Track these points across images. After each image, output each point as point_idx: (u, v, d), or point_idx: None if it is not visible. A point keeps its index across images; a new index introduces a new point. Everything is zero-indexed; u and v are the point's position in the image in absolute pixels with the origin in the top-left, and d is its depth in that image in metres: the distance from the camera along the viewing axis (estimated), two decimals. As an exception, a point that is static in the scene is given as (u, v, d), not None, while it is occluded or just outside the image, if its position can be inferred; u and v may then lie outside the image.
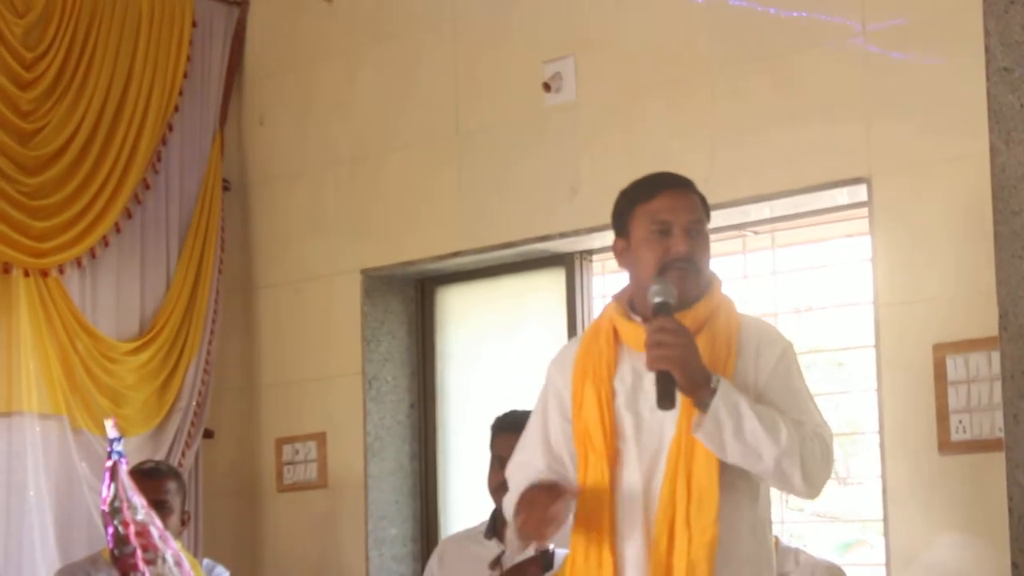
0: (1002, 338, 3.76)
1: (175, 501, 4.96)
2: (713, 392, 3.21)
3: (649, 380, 3.30)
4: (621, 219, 3.48)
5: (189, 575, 3.39)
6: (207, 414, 6.22)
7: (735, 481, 3.31)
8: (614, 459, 3.36)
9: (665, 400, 3.21)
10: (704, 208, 3.47)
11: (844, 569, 4.31)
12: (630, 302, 3.47)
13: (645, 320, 3.38)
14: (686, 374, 3.21)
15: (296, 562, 6.18)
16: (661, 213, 3.39)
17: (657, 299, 3.27)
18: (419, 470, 6.07)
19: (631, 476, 3.34)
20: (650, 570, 3.26)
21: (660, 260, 3.36)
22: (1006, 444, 4.02)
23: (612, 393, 3.38)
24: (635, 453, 3.35)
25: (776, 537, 4.11)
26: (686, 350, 3.22)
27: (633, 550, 3.32)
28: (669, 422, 3.32)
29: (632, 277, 3.47)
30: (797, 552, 4.26)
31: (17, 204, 5.69)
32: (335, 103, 6.24)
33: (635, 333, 3.39)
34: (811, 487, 3.32)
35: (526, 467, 3.52)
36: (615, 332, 3.44)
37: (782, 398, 3.35)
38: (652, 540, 3.29)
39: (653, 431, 3.34)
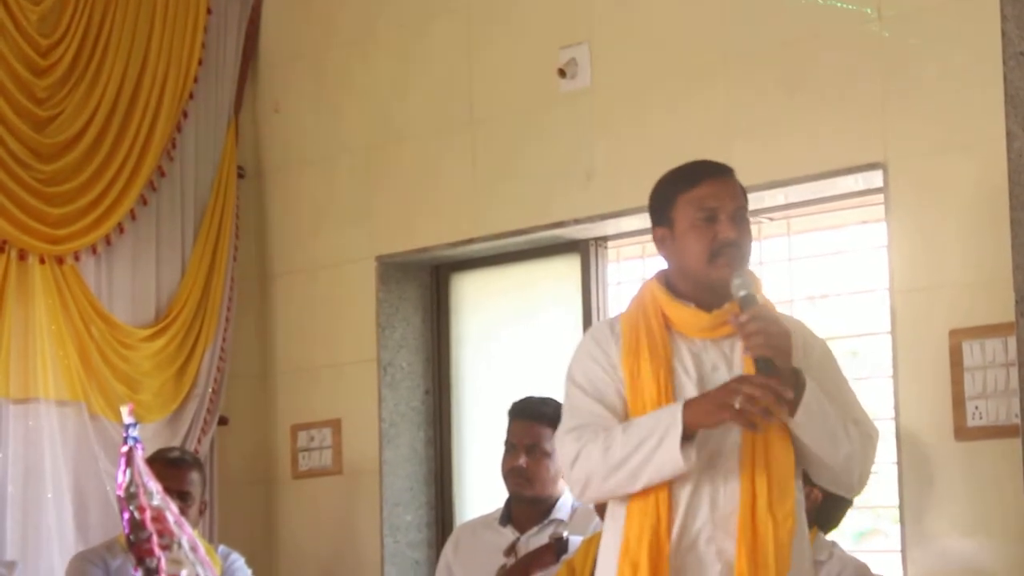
0: (1018, 323, 3.76)
1: (197, 492, 4.99)
2: (803, 383, 3.27)
3: (711, 365, 3.35)
4: (662, 208, 3.48)
5: (205, 560, 3.39)
6: (222, 401, 6.23)
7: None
8: None
9: None
10: (744, 196, 3.48)
11: (871, 569, 4.31)
12: (669, 286, 3.47)
13: (698, 305, 3.40)
14: (785, 362, 3.25)
15: (311, 548, 6.19)
16: (707, 200, 3.40)
17: (742, 292, 3.30)
18: (434, 456, 6.08)
19: (697, 448, 3.30)
20: (742, 556, 3.26)
21: (709, 246, 3.37)
22: (1023, 430, 4.01)
23: (671, 372, 3.37)
24: (702, 435, 3.31)
25: (816, 527, 4.15)
26: (786, 337, 3.26)
27: (695, 529, 3.32)
28: None
29: (673, 264, 3.48)
30: (833, 544, 4.27)
31: (33, 191, 5.71)
32: (350, 90, 6.24)
33: (692, 318, 3.40)
34: (860, 485, 3.44)
35: (601, 420, 3.41)
36: (664, 316, 3.44)
37: (833, 396, 3.39)
38: (719, 523, 3.30)
39: None
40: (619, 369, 3.42)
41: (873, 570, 4.32)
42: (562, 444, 3.44)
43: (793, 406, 3.27)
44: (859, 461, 3.37)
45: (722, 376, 3.35)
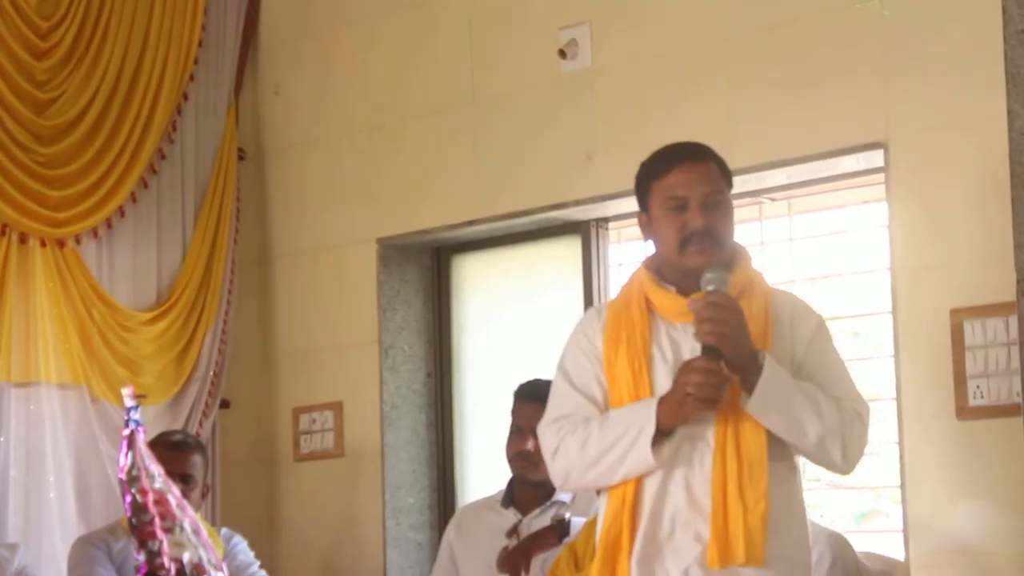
0: (1019, 302, 3.75)
1: (199, 475, 4.99)
2: (760, 368, 3.25)
3: (689, 349, 3.34)
4: (641, 194, 3.52)
5: (207, 543, 3.39)
6: (224, 384, 6.23)
7: (778, 452, 3.35)
8: None
9: None
10: (724, 175, 3.47)
11: (849, 537, 4.30)
12: (657, 270, 3.48)
13: (680, 290, 3.41)
14: (736, 350, 3.25)
15: (313, 531, 6.19)
16: (676, 188, 3.42)
17: (710, 287, 3.30)
18: (436, 439, 6.08)
19: (670, 443, 3.34)
20: (711, 542, 3.27)
21: (679, 235, 3.39)
22: (1024, 409, 4.01)
23: (648, 359, 3.38)
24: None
25: None
26: (738, 327, 3.26)
27: (669, 513, 3.33)
28: None
29: (656, 249, 3.50)
30: None
31: (33, 174, 5.70)
32: (350, 71, 6.23)
33: (671, 303, 3.41)
34: (848, 464, 3.42)
35: (582, 411, 3.45)
36: (647, 301, 3.45)
37: (819, 373, 3.40)
38: (695, 507, 3.31)
39: None
40: (602, 358, 3.46)
41: (876, 551, 4.32)
42: (543, 435, 3.49)
43: (750, 391, 3.28)
44: (838, 440, 3.34)
45: (687, 359, 3.35)
